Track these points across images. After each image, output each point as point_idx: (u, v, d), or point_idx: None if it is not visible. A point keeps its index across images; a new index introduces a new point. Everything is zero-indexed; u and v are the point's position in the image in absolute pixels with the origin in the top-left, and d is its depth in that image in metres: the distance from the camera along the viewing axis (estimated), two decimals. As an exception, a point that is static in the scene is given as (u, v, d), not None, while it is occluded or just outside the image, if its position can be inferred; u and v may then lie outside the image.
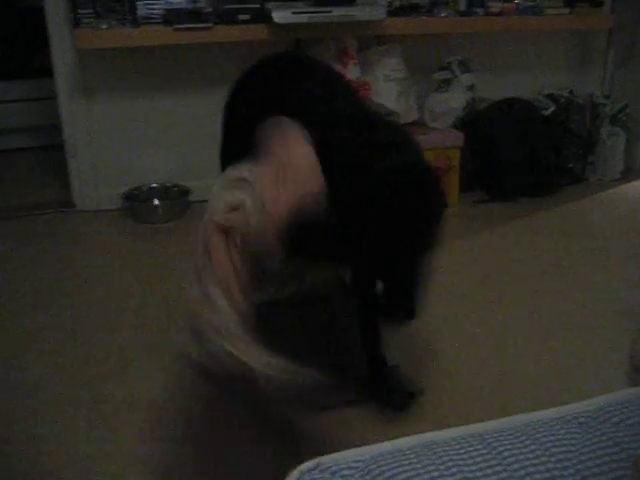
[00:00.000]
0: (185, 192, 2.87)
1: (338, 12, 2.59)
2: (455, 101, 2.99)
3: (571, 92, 3.17)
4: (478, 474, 0.71)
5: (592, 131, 3.18)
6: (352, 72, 2.77)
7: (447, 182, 2.93)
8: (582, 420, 0.82)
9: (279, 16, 2.52)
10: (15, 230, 2.76)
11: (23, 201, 3.03)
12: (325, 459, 0.76)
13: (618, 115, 3.18)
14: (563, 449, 0.75)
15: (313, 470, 0.74)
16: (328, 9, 2.58)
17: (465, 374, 1.78)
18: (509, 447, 0.75)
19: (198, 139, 2.86)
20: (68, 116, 2.82)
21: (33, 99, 3.65)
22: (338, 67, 2.74)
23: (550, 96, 3.12)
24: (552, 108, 3.05)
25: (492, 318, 2.06)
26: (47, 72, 2.90)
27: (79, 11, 2.54)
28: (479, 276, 2.34)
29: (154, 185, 2.92)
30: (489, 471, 0.71)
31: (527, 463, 0.73)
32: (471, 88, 3.04)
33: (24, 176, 3.38)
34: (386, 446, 0.78)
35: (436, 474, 0.71)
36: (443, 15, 2.88)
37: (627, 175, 3.28)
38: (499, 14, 2.98)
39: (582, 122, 3.14)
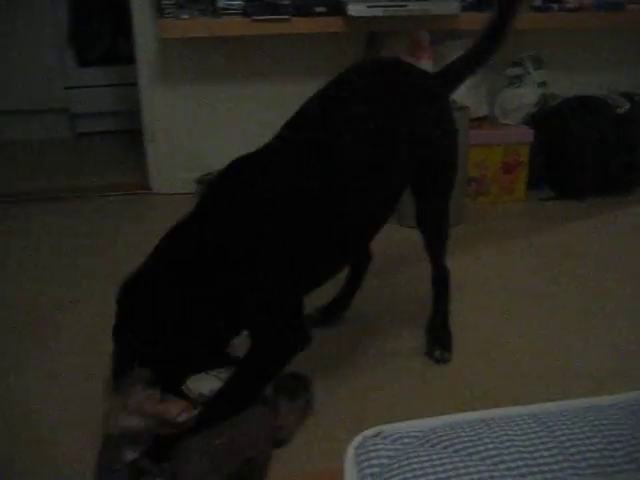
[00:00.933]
0: (256, 179, 2.95)
1: (413, 6, 2.62)
2: (527, 97, 2.98)
3: (647, 90, 3.12)
4: (531, 449, 0.75)
5: (668, 131, 3.11)
6: (425, 66, 2.80)
7: (515, 178, 2.94)
8: (636, 408, 0.85)
9: (354, 9, 2.57)
10: (93, 209, 2.90)
11: (102, 182, 3.18)
12: (386, 427, 0.81)
13: (696, 115, 3.11)
14: (615, 432, 0.78)
15: (375, 437, 0.80)
16: (403, 3, 2.62)
17: (524, 362, 1.82)
18: (563, 427, 0.78)
19: (272, 128, 2.93)
20: (148, 102, 2.94)
21: (115, 85, 3.81)
22: (411, 60, 2.77)
23: (625, 94, 3.07)
24: (627, 106, 3.00)
25: (550, 312, 2.08)
26: (129, 59, 3.03)
27: (163, 1, 2.65)
28: (539, 272, 2.35)
29: (227, 171, 3.01)
30: (542, 447, 0.75)
31: (579, 442, 0.77)
32: (543, 85, 3.02)
33: (104, 158, 3.54)
34: (445, 419, 0.83)
35: (491, 446, 0.76)
36: (518, 10, 2.87)
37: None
38: (576, 10, 2.95)
39: (658, 121, 3.08)
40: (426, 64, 2.82)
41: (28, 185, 3.16)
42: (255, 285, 1.47)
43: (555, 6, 2.95)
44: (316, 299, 2.05)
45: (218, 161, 3.04)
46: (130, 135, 3.58)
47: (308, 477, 0.90)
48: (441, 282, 1.89)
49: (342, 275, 1.99)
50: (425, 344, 1.89)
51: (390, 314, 2.08)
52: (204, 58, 2.87)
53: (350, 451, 0.78)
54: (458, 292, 2.07)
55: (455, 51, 2.91)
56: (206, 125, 2.98)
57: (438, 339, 1.88)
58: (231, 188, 1.57)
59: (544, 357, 1.86)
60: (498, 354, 1.88)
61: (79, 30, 3.78)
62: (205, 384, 1.48)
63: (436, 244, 1.85)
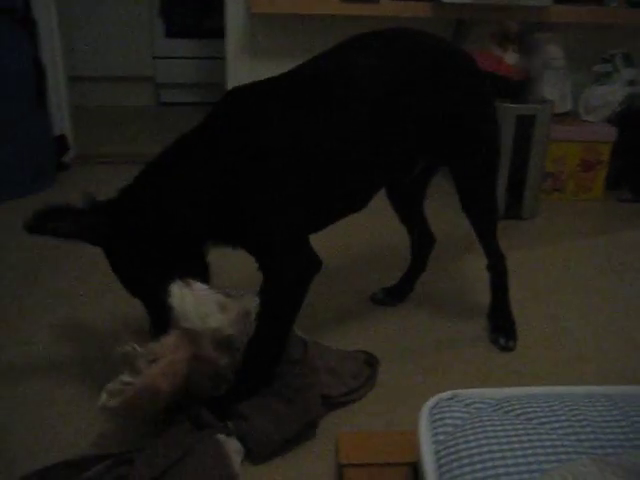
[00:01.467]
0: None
1: (505, -5, 2.60)
2: (613, 95, 2.92)
3: None
4: (603, 425, 0.77)
5: None
6: (510, 58, 2.78)
7: (593, 177, 2.89)
8: None
9: (446, -5, 2.57)
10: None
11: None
12: (461, 392, 0.84)
13: None
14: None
15: (450, 399, 0.83)
16: (495, -8, 2.60)
17: (588, 354, 1.82)
18: (636, 408, 0.80)
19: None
20: (233, 76, 3.01)
21: (201, 57, 3.91)
22: (497, 51, 2.76)
23: None
24: None
25: (618, 309, 2.06)
26: (216, 33, 3.11)
27: (255, -23, 2.71)
28: (610, 271, 2.32)
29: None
30: (614, 424, 0.77)
31: (652, 425, 0.79)
32: (632, 83, 2.95)
33: (184, 128, 3.63)
34: (518, 390, 0.85)
35: (563, 417, 0.78)
36: (612, 5, 2.81)
37: None
38: (674, 8, 2.87)
39: None
40: (512, 55, 2.80)
41: (112, 148, 3.29)
42: (261, 208, 1.44)
43: (651, 3, 2.88)
44: (381, 281, 2.10)
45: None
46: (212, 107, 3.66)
47: (382, 435, 0.94)
48: (495, 269, 1.88)
49: (407, 259, 2.03)
50: (489, 331, 1.90)
51: (453, 298, 2.10)
52: (291, 35, 2.92)
53: (425, 410, 0.82)
54: (525, 283, 2.07)
55: (542, 44, 2.89)
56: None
57: (501, 327, 1.89)
58: (240, 105, 1.52)
59: (610, 351, 1.85)
60: (563, 344, 1.88)
61: (170, 1, 3.89)
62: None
63: (483, 229, 1.82)
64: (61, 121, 3.06)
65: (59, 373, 1.67)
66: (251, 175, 1.42)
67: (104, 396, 1.36)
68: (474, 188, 1.77)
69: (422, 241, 2.03)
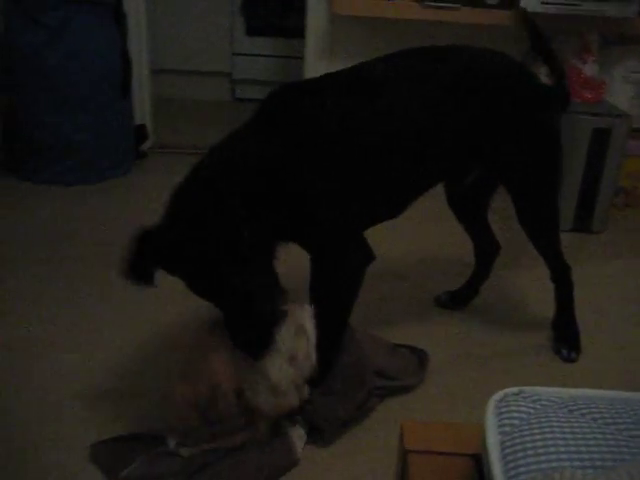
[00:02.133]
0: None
1: (588, 6, 2.58)
2: (695, 113, 2.86)
3: None
4: (670, 430, 0.79)
5: None
6: (590, 69, 2.75)
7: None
8: None
9: (527, 4, 2.57)
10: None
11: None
12: (527, 389, 0.87)
13: None
14: None
15: (516, 395, 0.86)
16: (578, 2, 2.58)
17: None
18: (703, 417, 0.81)
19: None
20: (311, 75, 3.07)
21: (279, 56, 3.99)
22: (576, 62, 2.74)
23: None
24: None
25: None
26: (296, 32, 3.17)
27: (338, -21, 2.75)
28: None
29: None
30: (680, 430, 0.79)
31: None
32: None
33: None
34: (584, 391, 0.87)
35: (629, 420, 0.80)
36: (700, 21, 2.75)
37: None
38: None
39: None
40: (592, 67, 2.78)
41: (187, 139, 3.40)
42: (319, 200, 1.45)
43: None
44: (445, 285, 2.12)
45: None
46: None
47: (444, 426, 0.98)
48: (561, 280, 1.88)
49: (471, 265, 2.05)
50: (552, 341, 1.90)
51: (516, 306, 2.11)
52: (372, 38, 2.96)
53: (492, 403, 0.85)
54: (590, 296, 2.06)
55: (623, 57, 2.85)
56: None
57: (564, 338, 1.89)
58: (292, 102, 1.50)
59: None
60: (624, 358, 1.87)
61: (251, 0, 3.98)
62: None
63: (542, 244, 1.82)
64: (142, 111, 3.18)
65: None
66: (307, 168, 1.43)
67: None
68: (528, 205, 1.76)
69: (485, 248, 2.04)
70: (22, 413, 1.56)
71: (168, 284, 1.41)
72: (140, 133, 3.16)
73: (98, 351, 1.79)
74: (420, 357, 1.76)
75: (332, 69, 2.97)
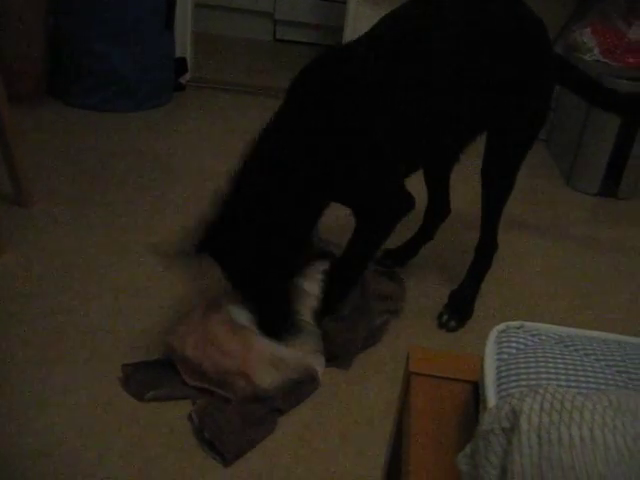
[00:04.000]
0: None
1: (638, -31, 2.54)
2: None
3: None
4: (656, 369, 0.84)
5: None
6: (635, 33, 2.72)
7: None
8: None
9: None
10: (266, 108, 3.11)
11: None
12: (529, 324, 0.93)
13: None
14: None
15: (518, 328, 0.92)
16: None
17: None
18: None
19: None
20: (353, 20, 3.08)
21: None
22: (621, 26, 2.71)
23: None
24: None
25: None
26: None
27: None
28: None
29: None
30: (667, 371, 0.84)
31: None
32: None
33: (298, 66, 3.72)
34: (582, 331, 0.93)
35: (619, 358, 0.86)
36: None
37: None
38: None
39: None
40: (637, 31, 2.74)
41: (225, 76, 3.44)
42: (359, 153, 1.53)
43: None
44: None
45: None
46: (325, 49, 3.75)
47: (448, 354, 1.04)
48: (482, 253, 1.86)
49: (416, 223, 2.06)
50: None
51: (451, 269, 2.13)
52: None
53: (494, 333, 0.91)
54: (612, 261, 2.09)
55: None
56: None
57: (454, 306, 1.87)
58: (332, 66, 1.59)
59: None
60: None
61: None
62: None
63: (490, 205, 1.80)
64: (183, 45, 3.23)
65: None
66: (350, 123, 1.51)
67: None
68: (502, 158, 1.76)
69: (437, 209, 2.03)
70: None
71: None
72: (180, 66, 3.20)
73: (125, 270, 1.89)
74: (400, 281, 1.87)
75: (375, 14, 2.98)
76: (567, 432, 0.62)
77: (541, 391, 0.69)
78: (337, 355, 1.61)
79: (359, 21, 3.04)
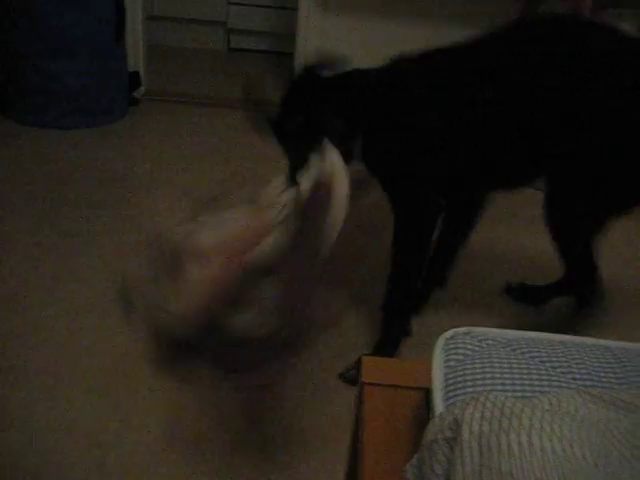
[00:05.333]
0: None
1: (579, -32, 2.59)
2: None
3: None
4: (597, 368, 0.86)
5: None
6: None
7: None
8: None
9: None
10: (234, 120, 3.11)
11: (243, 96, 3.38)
12: (476, 329, 0.94)
13: None
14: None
15: (465, 334, 0.93)
16: (570, -37, 2.59)
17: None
18: (630, 357, 0.89)
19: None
20: (304, 28, 3.09)
21: (274, 7, 3.97)
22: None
23: None
24: None
25: None
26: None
27: None
28: None
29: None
30: (607, 368, 0.86)
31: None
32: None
33: (252, 75, 3.74)
34: (529, 334, 0.95)
35: (563, 359, 0.87)
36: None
37: None
38: None
39: None
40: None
41: (180, 88, 3.42)
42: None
43: None
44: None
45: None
46: (279, 57, 3.76)
47: (400, 361, 1.05)
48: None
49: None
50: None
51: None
52: (364, -8, 2.98)
53: (441, 340, 0.92)
54: None
55: (615, 20, 2.87)
56: (357, 58, 3.09)
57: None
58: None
59: None
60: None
61: (249, -51, 3.95)
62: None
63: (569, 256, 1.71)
64: (135, 58, 3.20)
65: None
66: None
67: None
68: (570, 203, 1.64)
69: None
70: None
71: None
72: (134, 80, 3.18)
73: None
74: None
75: (326, 22, 3.01)
76: (506, 439, 0.63)
77: (482, 399, 0.70)
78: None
79: (311, 29, 3.05)
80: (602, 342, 0.96)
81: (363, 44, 3.05)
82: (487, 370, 0.84)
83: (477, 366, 0.86)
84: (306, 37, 3.08)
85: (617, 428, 0.69)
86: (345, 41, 3.06)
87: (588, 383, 0.84)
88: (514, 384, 0.83)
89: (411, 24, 2.99)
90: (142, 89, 3.26)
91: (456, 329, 0.94)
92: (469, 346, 0.90)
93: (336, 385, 1.65)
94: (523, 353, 0.89)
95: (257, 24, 4.05)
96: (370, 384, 0.99)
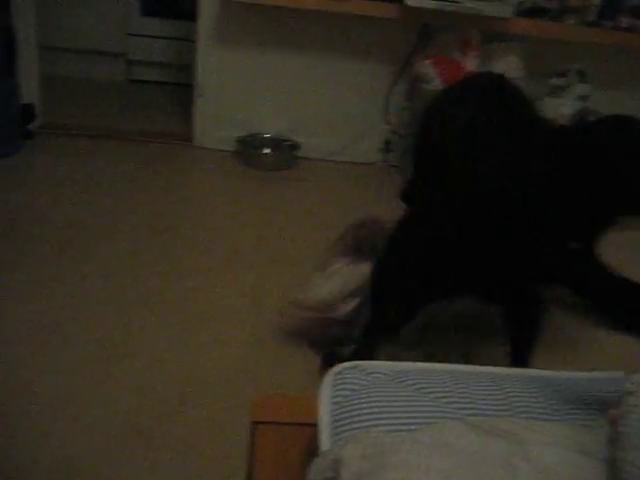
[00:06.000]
0: (295, 146, 3.10)
1: (467, 4, 2.71)
2: (566, 108, 3.05)
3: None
4: (481, 397, 0.88)
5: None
6: (471, 64, 2.89)
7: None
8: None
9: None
10: (135, 153, 3.06)
11: (148, 128, 3.34)
12: (363, 363, 0.95)
13: None
14: (557, 395, 0.91)
15: (352, 369, 0.94)
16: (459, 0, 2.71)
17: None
18: (512, 385, 0.92)
19: (314, 100, 3.08)
20: (203, 59, 3.08)
21: (174, 38, 3.95)
22: (458, 57, 2.88)
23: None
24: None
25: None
26: (191, 15, 3.16)
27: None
28: None
29: (267, 135, 3.16)
30: (491, 397, 0.89)
31: (527, 401, 0.90)
32: (585, 99, 3.08)
33: (153, 107, 3.69)
34: (417, 365, 0.96)
35: (448, 389, 0.89)
36: (570, 22, 2.94)
37: None
38: (628, 30, 3.01)
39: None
40: (472, 61, 2.92)
41: (78, 120, 3.33)
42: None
43: (609, 23, 3.00)
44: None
45: (261, 124, 3.23)
46: (181, 88, 3.73)
47: (293, 397, 1.04)
48: None
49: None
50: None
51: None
52: (263, 24, 3.00)
53: (329, 376, 0.92)
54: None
55: (502, 53, 3.01)
56: (254, 89, 3.11)
57: None
58: None
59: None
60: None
61: (147, -20, 3.91)
62: None
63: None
64: (30, 89, 3.09)
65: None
66: None
67: None
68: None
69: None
70: None
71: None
72: (27, 112, 3.07)
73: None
74: None
75: (223, 54, 3.01)
76: (384, 477, 0.63)
77: (362, 436, 0.70)
78: None
79: (210, 60, 3.05)
80: (487, 369, 0.98)
81: (257, 74, 3.09)
82: (373, 405, 0.85)
83: (363, 401, 0.86)
84: (205, 67, 3.06)
85: (493, 456, 0.70)
86: (243, 70, 3.07)
87: (472, 412, 0.86)
88: (399, 417, 0.83)
89: (296, 55, 3.04)
90: (38, 122, 3.15)
91: (343, 364, 0.94)
92: (356, 380, 0.91)
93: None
94: (409, 385, 0.90)
95: (157, 55, 4.01)
96: (261, 423, 0.98)
